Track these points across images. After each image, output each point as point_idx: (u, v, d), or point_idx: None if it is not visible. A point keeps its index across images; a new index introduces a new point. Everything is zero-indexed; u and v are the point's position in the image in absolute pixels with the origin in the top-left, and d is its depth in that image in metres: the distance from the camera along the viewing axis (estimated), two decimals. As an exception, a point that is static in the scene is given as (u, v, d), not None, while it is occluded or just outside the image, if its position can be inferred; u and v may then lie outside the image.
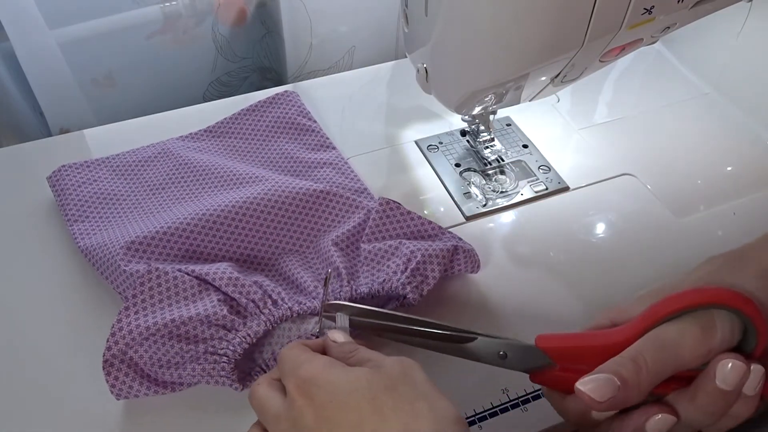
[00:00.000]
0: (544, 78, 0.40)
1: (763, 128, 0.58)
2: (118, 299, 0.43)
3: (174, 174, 0.50)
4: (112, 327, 0.36)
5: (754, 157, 0.55)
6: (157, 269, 0.38)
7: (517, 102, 0.45)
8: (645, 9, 0.35)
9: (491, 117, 0.51)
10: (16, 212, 0.49)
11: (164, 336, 0.36)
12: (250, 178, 0.48)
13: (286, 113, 0.55)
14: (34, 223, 0.48)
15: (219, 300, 0.37)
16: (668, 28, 0.39)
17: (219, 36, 0.63)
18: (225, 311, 0.37)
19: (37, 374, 0.40)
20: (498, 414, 0.38)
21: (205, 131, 0.55)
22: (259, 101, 0.56)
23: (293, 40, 0.65)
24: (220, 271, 0.39)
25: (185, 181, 0.50)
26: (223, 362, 0.36)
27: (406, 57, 0.57)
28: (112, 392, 0.36)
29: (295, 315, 0.38)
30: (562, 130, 0.58)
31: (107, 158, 0.52)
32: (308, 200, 0.45)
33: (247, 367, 0.38)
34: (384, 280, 0.40)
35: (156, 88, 0.64)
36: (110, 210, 0.47)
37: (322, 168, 0.51)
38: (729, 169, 0.54)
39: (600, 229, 0.49)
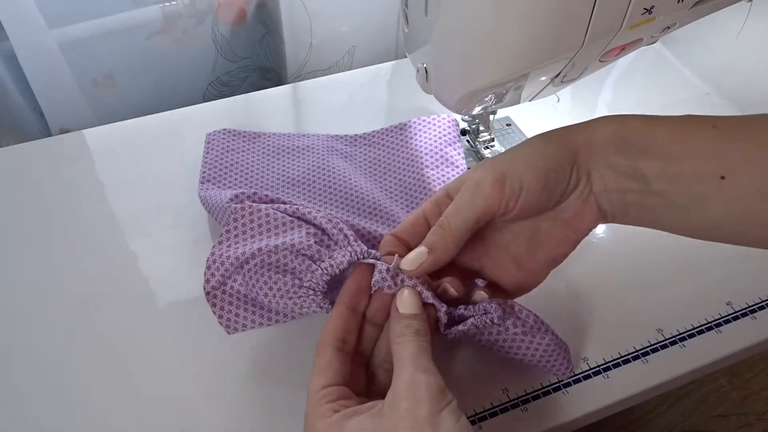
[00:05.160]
0: (544, 78, 0.40)
1: (763, 128, 0.58)
2: (117, 299, 0.43)
3: (308, 174, 0.51)
4: (207, 260, 0.36)
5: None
6: (251, 206, 0.38)
7: (517, 102, 0.45)
8: (645, 9, 0.35)
9: (491, 117, 0.51)
10: (16, 212, 0.49)
11: (256, 265, 0.35)
12: (374, 209, 0.48)
13: (438, 140, 0.54)
14: (34, 223, 0.49)
15: (308, 233, 0.37)
16: (668, 28, 0.39)
17: (219, 36, 0.63)
18: (312, 241, 0.36)
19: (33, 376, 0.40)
20: (498, 414, 0.38)
21: (360, 136, 0.56)
22: (418, 119, 0.55)
23: (293, 40, 0.65)
24: (316, 210, 0.38)
25: (313, 186, 0.51)
26: (310, 295, 0.35)
27: (406, 57, 0.57)
28: (221, 324, 0.37)
29: (380, 257, 0.36)
30: (562, 130, 0.58)
31: (265, 134, 0.55)
32: None
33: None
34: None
35: (156, 88, 0.64)
36: (239, 182, 0.50)
37: None
38: (729, 169, 0.54)
39: (600, 229, 0.49)
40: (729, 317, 0.43)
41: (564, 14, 0.34)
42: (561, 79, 0.41)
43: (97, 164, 0.54)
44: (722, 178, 0.30)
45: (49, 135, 0.60)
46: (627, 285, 0.45)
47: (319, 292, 0.35)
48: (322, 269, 0.35)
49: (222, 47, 0.65)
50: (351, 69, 0.68)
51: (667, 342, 0.42)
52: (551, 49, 0.36)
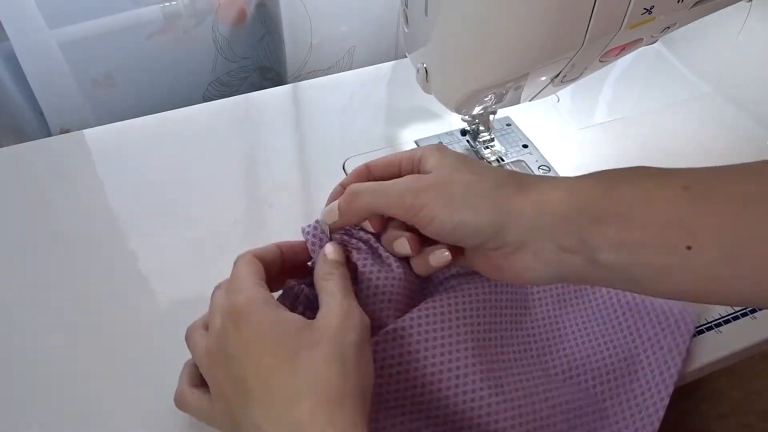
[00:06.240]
0: (544, 78, 0.40)
1: (763, 128, 0.58)
2: (117, 298, 0.43)
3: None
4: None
5: (754, 157, 0.55)
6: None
7: (517, 102, 0.45)
8: (645, 9, 0.35)
9: (491, 117, 0.51)
10: (16, 212, 0.49)
11: None
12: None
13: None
14: (34, 224, 0.48)
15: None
16: (668, 28, 0.39)
17: (219, 36, 0.63)
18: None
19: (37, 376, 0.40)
20: (498, 414, 0.38)
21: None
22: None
23: (293, 40, 0.65)
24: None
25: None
26: None
27: (406, 57, 0.57)
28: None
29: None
30: (562, 130, 0.58)
31: None
32: None
33: None
34: None
35: (156, 88, 0.64)
36: None
37: None
38: (729, 169, 0.54)
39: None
40: (729, 317, 0.43)
41: (564, 14, 0.34)
42: (561, 79, 0.41)
43: (97, 164, 0.54)
44: (688, 248, 0.27)
45: (49, 135, 0.60)
46: (627, 285, 0.45)
47: None
48: None
49: (222, 47, 0.65)
50: (351, 69, 0.68)
51: (667, 342, 0.42)
52: (551, 49, 0.36)
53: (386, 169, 0.36)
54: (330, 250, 0.35)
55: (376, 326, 0.35)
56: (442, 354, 0.34)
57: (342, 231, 0.36)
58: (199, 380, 0.35)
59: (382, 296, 0.35)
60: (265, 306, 0.30)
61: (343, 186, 0.37)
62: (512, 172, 0.33)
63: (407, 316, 0.35)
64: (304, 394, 0.27)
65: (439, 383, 0.34)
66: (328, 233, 0.36)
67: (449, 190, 0.32)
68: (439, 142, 0.34)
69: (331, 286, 0.32)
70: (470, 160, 0.34)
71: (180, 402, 0.34)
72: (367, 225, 0.36)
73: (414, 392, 0.34)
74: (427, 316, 0.35)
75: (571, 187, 0.30)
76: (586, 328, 0.40)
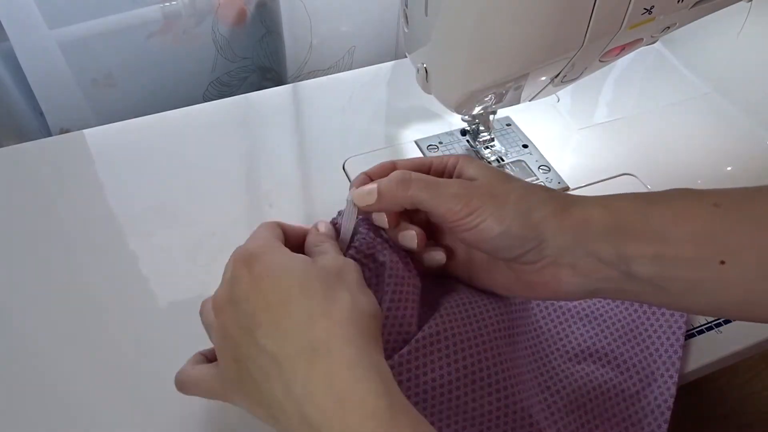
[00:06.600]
0: (544, 78, 0.40)
1: (763, 128, 0.58)
2: (117, 299, 0.43)
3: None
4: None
5: (754, 157, 0.55)
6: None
7: (517, 102, 0.45)
8: (645, 9, 0.35)
9: (491, 117, 0.51)
10: (16, 212, 0.49)
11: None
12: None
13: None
14: (34, 224, 0.48)
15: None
16: (668, 28, 0.39)
17: (219, 36, 0.63)
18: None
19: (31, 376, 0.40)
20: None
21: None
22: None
23: (293, 40, 0.65)
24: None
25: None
26: None
27: (406, 57, 0.57)
28: None
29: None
30: (562, 130, 0.58)
31: None
32: None
33: None
34: None
35: (156, 88, 0.64)
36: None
37: None
38: (729, 169, 0.54)
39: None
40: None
41: (564, 14, 0.34)
42: (561, 79, 0.41)
43: (97, 164, 0.54)
44: (722, 263, 0.28)
45: (49, 135, 0.60)
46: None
47: None
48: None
49: (222, 47, 0.65)
50: (351, 69, 0.68)
51: (667, 342, 0.42)
52: (551, 49, 0.36)
53: (416, 170, 0.36)
54: (322, 226, 0.36)
55: (404, 330, 0.34)
56: (464, 358, 0.33)
57: (367, 227, 0.36)
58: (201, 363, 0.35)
59: (411, 302, 0.34)
60: (279, 249, 0.31)
61: (368, 175, 0.36)
62: (551, 189, 0.34)
63: (426, 326, 0.34)
64: (319, 316, 0.28)
65: (465, 387, 0.33)
66: (355, 214, 0.35)
67: (503, 199, 0.32)
68: (465, 154, 0.35)
69: (324, 248, 0.33)
70: (509, 173, 0.35)
71: (182, 380, 0.34)
72: (382, 219, 0.35)
73: (442, 399, 0.33)
74: (445, 322, 0.34)
75: (609, 206, 0.31)
76: (589, 307, 0.42)
